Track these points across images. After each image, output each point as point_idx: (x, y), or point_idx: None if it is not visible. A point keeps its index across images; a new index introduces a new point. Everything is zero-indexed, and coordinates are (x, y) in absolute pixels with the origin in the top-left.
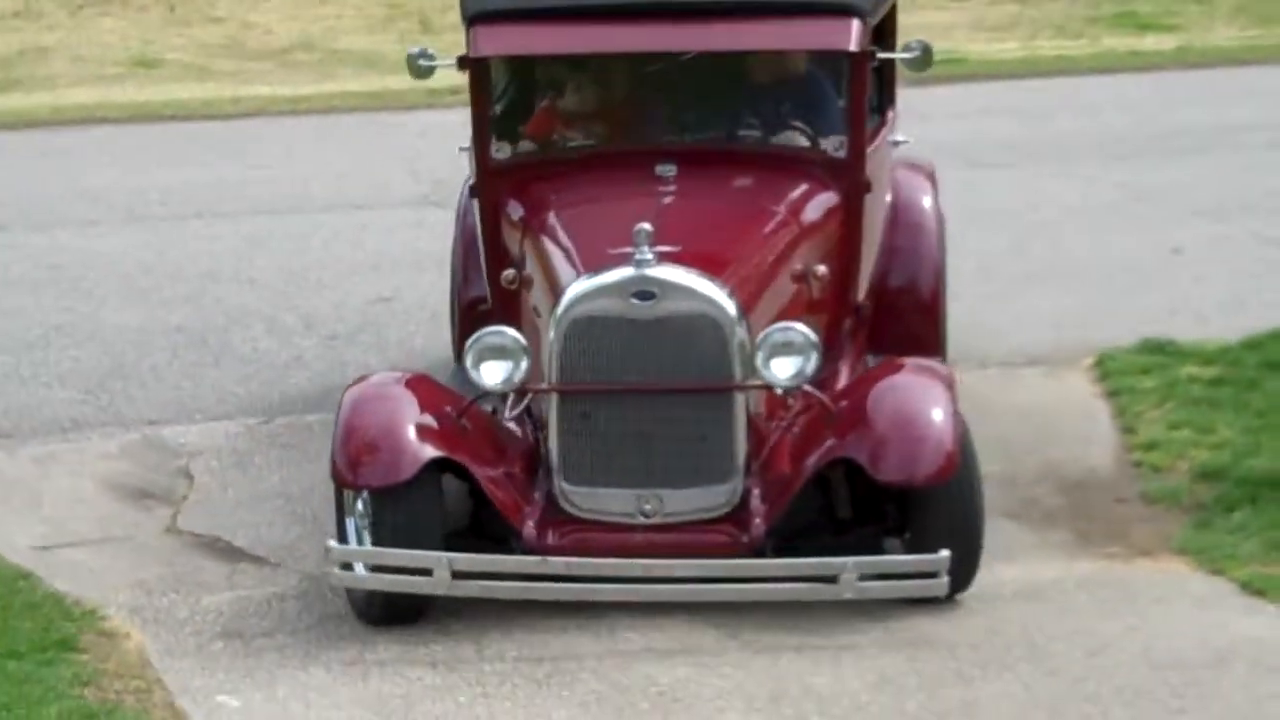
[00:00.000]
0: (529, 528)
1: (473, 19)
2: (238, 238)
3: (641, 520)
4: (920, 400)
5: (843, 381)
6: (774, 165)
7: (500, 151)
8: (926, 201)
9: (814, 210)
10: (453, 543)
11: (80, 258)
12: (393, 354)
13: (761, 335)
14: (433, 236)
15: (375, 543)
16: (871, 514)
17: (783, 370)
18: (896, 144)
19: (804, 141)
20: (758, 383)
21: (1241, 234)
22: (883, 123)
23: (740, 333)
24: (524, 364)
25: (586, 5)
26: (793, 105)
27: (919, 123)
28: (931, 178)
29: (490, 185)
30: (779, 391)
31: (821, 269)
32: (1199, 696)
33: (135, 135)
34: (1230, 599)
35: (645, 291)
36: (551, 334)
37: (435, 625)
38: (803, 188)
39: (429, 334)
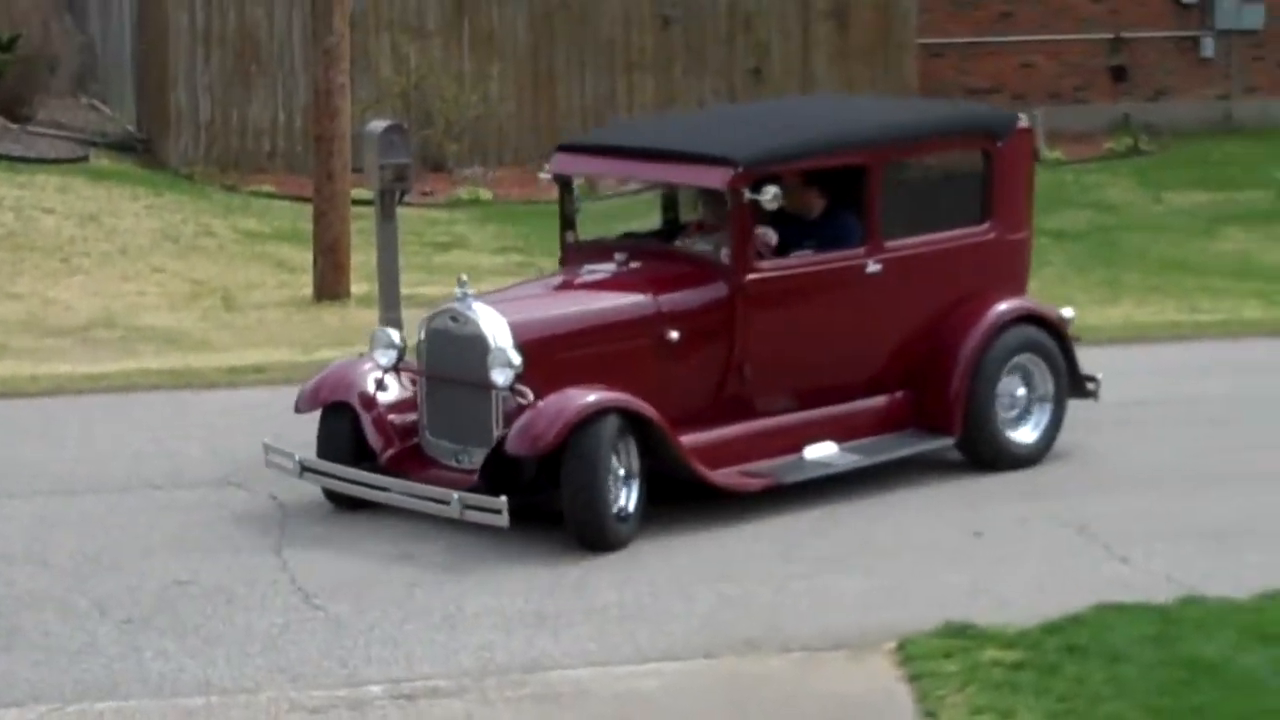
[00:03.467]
0: (384, 456)
1: (557, 148)
2: (31, 518)
3: (455, 464)
4: (558, 406)
5: (713, 421)
6: (686, 262)
7: (569, 238)
8: (987, 318)
9: (687, 295)
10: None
11: None
12: (190, 640)
13: (490, 353)
14: (233, 518)
15: (316, 452)
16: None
17: (498, 377)
18: (872, 273)
19: (712, 249)
20: (483, 382)
21: (1040, 516)
22: (862, 252)
23: (510, 354)
24: (394, 353)
25: (612, 146)
26: (713, 224)
27: None
28: (1025, 310)
29: (565, 259)
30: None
31: (674, 334)
32: None
33: None
34: None
35: (455, 317)
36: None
37: None
38: (690, 280)
39: (225, 617)
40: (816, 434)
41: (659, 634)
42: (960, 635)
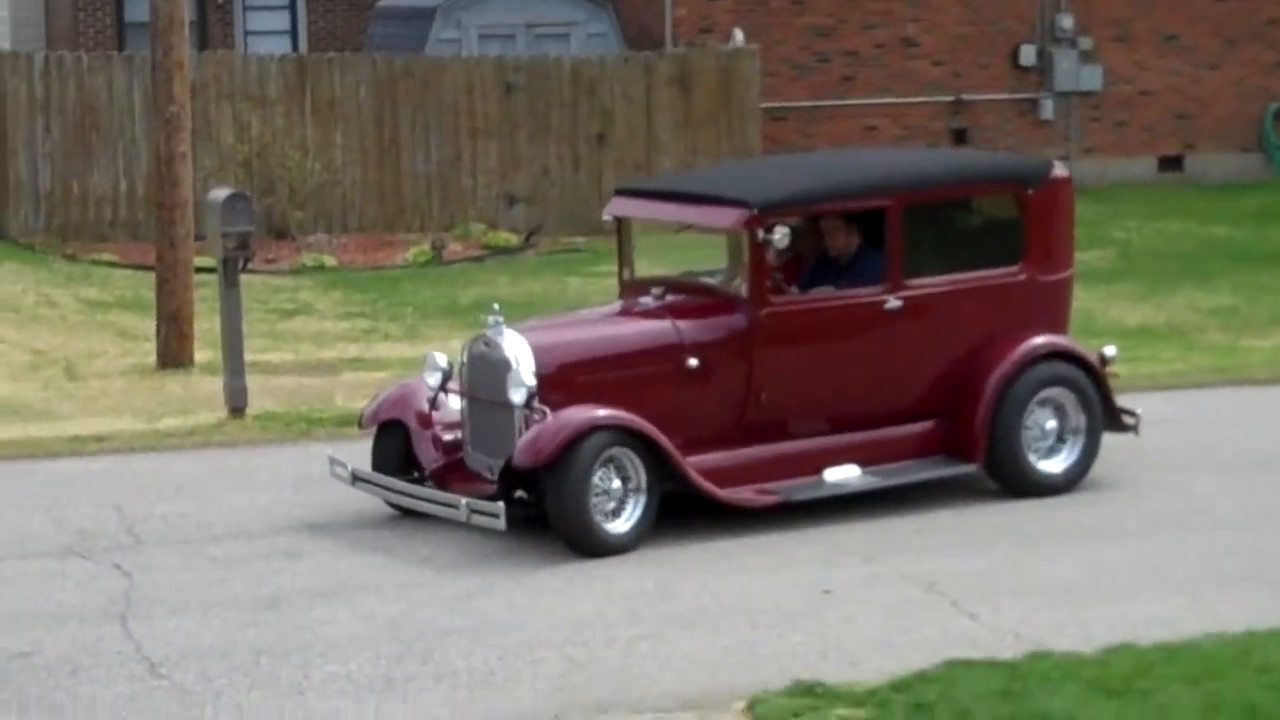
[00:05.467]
0: (429, 468)
1: (615, 192)
2: None
3: (489, 476)
4: (560, 422)
5: (734, 444)
6: (711, 295)
7: (625, 275)
8: (1015, 352)
9: (707, 325)
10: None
11: None
12: (34, 713)
13: (510, 374)
14: (76, 587)
15: (371, 465)
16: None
17: (515, 396)
18: (891, 309)
19: (733, 283)
20: (506, 401)
21: (889, 573)
22: (881, 289)
23: (525, 374)
24: (439, 374)
25: (655, 190)
26: (737, 261)
27: None
28: (1056, 346)
29: (621, 293)
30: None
31: (693, 361)
32: None
33: None
34: None
35: (487, 342)
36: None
37: None
38: (713, 311)
39: (70, 689)
40: (841, 458)
41: (508, 699)
42: (809, 694)
